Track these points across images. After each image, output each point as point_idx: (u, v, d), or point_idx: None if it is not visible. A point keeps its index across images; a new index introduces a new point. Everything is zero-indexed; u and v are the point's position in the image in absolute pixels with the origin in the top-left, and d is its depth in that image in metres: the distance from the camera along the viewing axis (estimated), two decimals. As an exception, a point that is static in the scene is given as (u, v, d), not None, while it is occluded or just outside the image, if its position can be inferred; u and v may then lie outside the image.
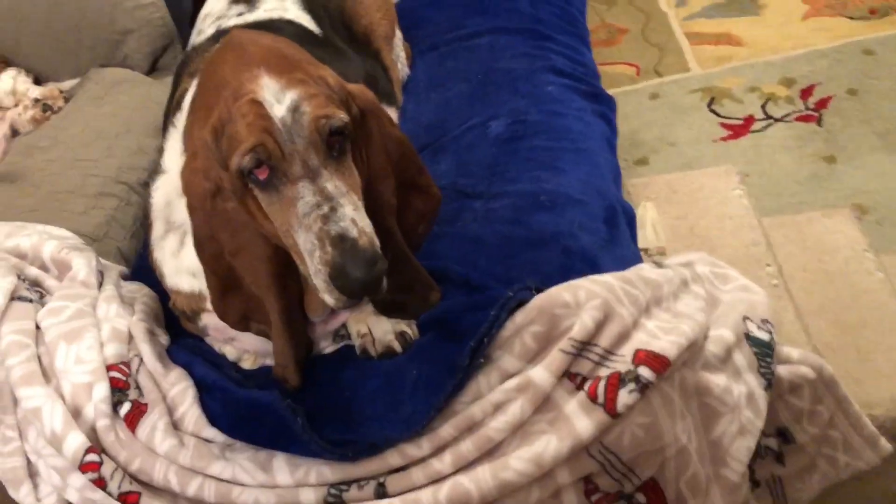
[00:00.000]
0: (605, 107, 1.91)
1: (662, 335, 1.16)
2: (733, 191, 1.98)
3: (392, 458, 1.16)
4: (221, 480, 1.21)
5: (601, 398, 1.11)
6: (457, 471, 1.15)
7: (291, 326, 1.23)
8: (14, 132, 2.18)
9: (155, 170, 1.45)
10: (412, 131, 1.79)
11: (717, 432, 1.19)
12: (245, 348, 1.41)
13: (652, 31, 2.99)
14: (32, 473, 1.30)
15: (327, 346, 1.37)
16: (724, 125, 2.47)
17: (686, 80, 2.70)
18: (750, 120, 2.47)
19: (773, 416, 1.27)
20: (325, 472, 1.18)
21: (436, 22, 2.29)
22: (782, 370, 1.27)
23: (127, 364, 1.34)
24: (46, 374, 1.32)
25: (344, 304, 1.10)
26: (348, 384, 1.26)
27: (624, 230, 1.53)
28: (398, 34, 2.11)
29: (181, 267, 1.36)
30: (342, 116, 1.12)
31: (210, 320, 1.37)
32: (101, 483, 1.22)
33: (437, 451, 1.16)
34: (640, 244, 1.66)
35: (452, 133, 1.82)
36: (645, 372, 1.11)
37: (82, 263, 1.47)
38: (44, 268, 1.52)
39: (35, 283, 1.47)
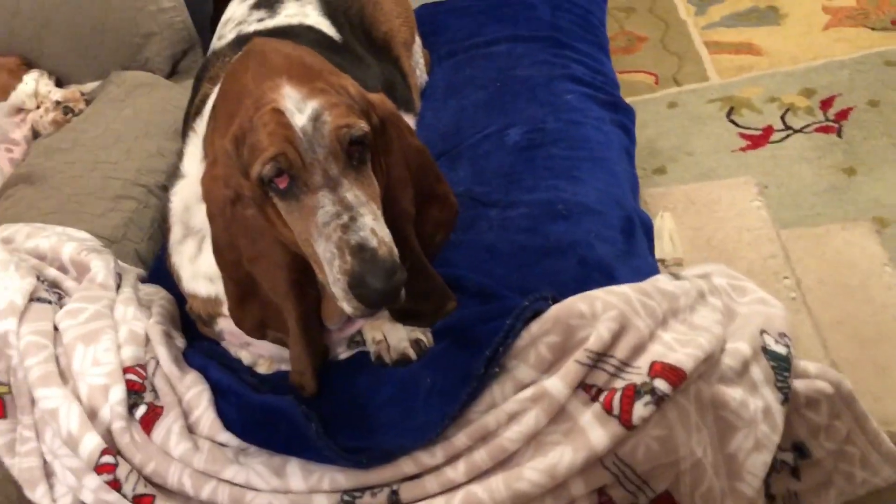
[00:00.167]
0: (624, 117, 1.90)
1: (679, 347, 1.15)
2: (752, 202, 1.97)
3: (406, 465, 1.16)
4: (235, 485, 1.22)
5: (616, 410, 1.10)
6: (470, 480, 1.14)
7: (309, 334, 1.23)
8: (35, 134, 2.20)
9: (174, 174, 1.46)
10: (429, 138, 1.80)
11: (732, 446, 1.19)
12: (260, 353, 1.41)
13: (671, 40, 2.98)
14: (48, 474, 1.30)
15: (342, 352, 1.37)
16: (742, 135, 2.46)
17: (705, 90, 2.69)
18: (769, 130, 2.45)
19: (789, 431, 1.26)
20: (338, 478, 1.18)
21: (454, 29, 2.29)
22: (799, 384, 1.26)
23: (143, 366, 1.35)
24: (64, 376, 1.33)
25: (362, 312, 1.10)
26: (362, 391, 1.27)
27: (641, 241, 1.53)
28: (417, 40, 2.11)
29: (198, 272, 1.37)
30: (363, 126, 1.13)
31: (226, 325, 1.38)
32: (115, 485, 1.23)
33: (451, 459, 1.16)
34: (657, 255, 1.66)
35: (469, 140, 1.82)
36: (661, 384, 1.10)
37: (101, 265, 1.48)
38: (63, 269, 1.53)
39: (54, 285, 1.48)
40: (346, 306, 1.10)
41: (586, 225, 1.49)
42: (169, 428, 1.27)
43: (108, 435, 1.26)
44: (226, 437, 1.26)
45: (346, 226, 1.08)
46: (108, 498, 1.22)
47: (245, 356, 1.43)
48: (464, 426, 1.16)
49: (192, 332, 1.48)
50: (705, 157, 2.41)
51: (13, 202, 1.88)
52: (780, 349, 1.26)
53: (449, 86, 2.07)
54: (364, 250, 1.06)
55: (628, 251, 1.47)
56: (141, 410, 1.29)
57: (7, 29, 2.30)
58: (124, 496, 1.22)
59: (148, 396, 1.31)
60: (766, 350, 1.26)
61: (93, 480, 1.23)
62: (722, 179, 2.21)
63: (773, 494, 1.30)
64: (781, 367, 1.24)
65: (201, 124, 1.37)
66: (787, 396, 1.23)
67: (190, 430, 1.28)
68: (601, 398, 1.12)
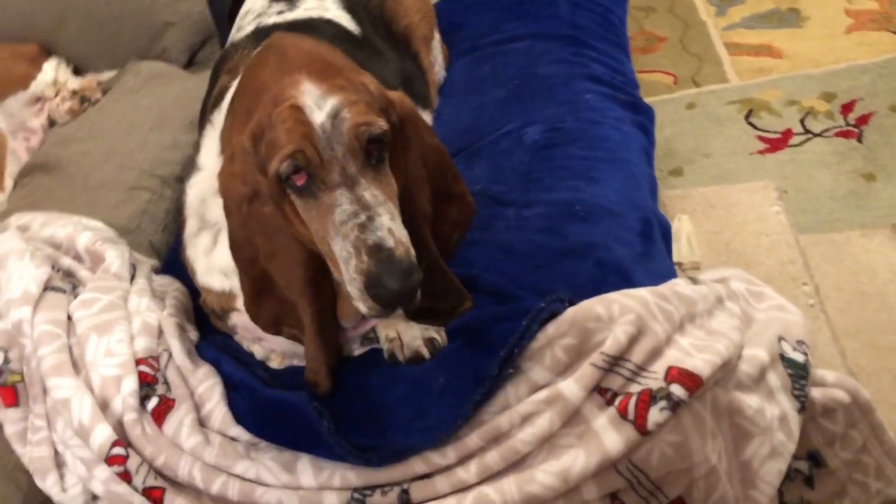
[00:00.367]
0: (643, 117, 1.88)
1: (696, 353, 1.14)
2: (771, 207, 1.95)
3: (417, 465, 1.16)
4: (246, 480, 1.22)
5: (631, 415, 1.09)
6: (482, 481, 1.14)
7: (324, 331, 1.22)
8: (51, 122, 2.21)
9: (190, 166, 1.45)
10: (447, 135, 1.78)
11: (747, 454, 1.18)
12: (272, 348, 1.41)
13: (691, 41, 2.96)
14: (59, 464, 1.31)
15: (356, 350, 1.37)
16: (761, 138, 2.44)
17: (724, 91, 2.66)
18: (788, 134, 2.43)
19: (804, 439, 1.25)
20: (349, 476, 1.18)
21: (474, 25, 2.27)
22: (816, 393, 1.25)
23: (156, 358, 1.35)
24: (76, 366, 1.33)
25: (377, 312, 1.09)
26: (375, 389, 1.26)
27: (659, 244, 1.51)
28: (437, 36, 2.10)
29: (213, 265, 1.37)
30: (382, 124, 1.12)
31: (239, 319, 1.37)
32: (126, 476, 1.23)
33: (463, 460, 1.16)
34: (675, 258, 1.64)
35: (487, 138, 1.81)
36: (677, 390, 1.09)
37: (115, 256, 1.49)
38: (78, 258, 1.53)
39: (68, 274, 1.48)
40: (362, 306, 1.09)
41: (604, 226, 1.48)
42: (180, 421, 1.27)
43: (119, 426, 1.26)
44: (237, 431, 1.26)
45: (363, 225, 1.07)
46: (118, 489, 1.23)
47: (257, 350, 1.43)
48: (476, 427, 1.16)
49: (205, 325, 1.48)
50: (723, 159, 2.39)
51: (29, 190, 1.89)
52: (798, 357, 1.25)
53: (467, 82, 2.06)
54: (381, 250, 1.06)
55: (646, 254, 1.46)
56: (153, 402, 1.29)
57: (26, 14, 2.30)
58: (134, 488, 1.23)
59: (160, 388, 1.31)
60: (783, 357, 1.25)
61: (103, 471, 1.24)
62: (740, 183, 2.19)
63: (787, 503, 1.29)
64: (799, 374, 1.23)
65: (219, 117, 1.36)
66: (804, 405, 1.21)
67: (201, 423, 1.28)
68: (616, 402, 1.12)
